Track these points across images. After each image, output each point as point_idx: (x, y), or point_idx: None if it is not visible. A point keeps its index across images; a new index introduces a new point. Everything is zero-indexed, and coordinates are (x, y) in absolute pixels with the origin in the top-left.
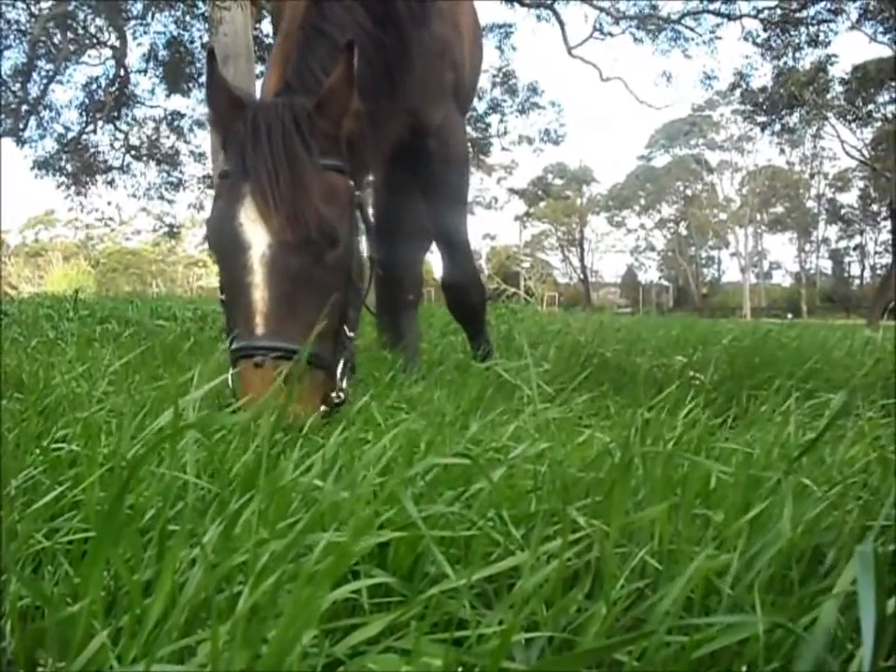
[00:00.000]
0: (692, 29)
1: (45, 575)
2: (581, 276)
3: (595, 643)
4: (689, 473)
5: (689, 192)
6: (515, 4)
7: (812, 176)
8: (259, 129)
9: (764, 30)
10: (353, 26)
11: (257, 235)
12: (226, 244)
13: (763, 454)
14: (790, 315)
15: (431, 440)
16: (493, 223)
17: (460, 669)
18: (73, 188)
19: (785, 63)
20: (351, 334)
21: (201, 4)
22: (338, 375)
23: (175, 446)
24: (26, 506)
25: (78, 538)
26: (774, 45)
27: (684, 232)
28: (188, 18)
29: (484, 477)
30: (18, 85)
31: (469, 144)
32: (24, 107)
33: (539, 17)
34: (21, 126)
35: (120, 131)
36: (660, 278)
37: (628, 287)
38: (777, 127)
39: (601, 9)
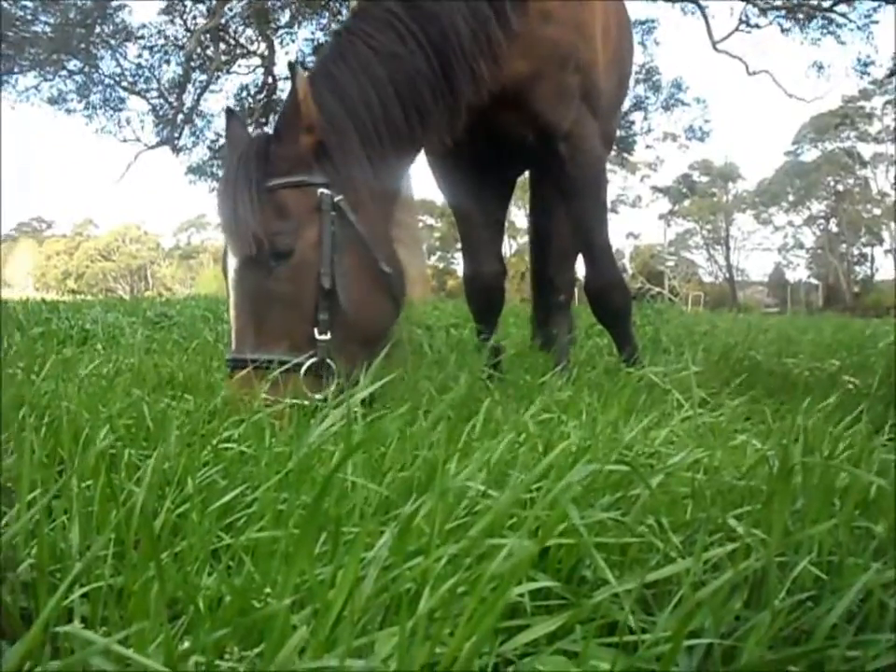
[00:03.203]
0: (844, 15)
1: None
2: (727, 275)
3: (758, 652)
4: (849, 484)
5: (840, 187)
6: None
7: None
8: (226, 166)
9: None
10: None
11: (228, 263)
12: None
13: None
14: None
15: (584, 445)
16: (637, 222)
17: None
18: None
19: None
20: (323, 337)
21: (345, 10)
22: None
23: (349, 450)
24: (203, 504)
25: (257, 536)
26: None
27: (835, 229)
28: (333, 25)
29: (642, 483)
30: (174, 96)
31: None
32: (180, 117)
33: (683, 11)
34: (177, 135)
35: None
36: (809, 277)
37: (775, 286)
38: None
39: (747, 1)
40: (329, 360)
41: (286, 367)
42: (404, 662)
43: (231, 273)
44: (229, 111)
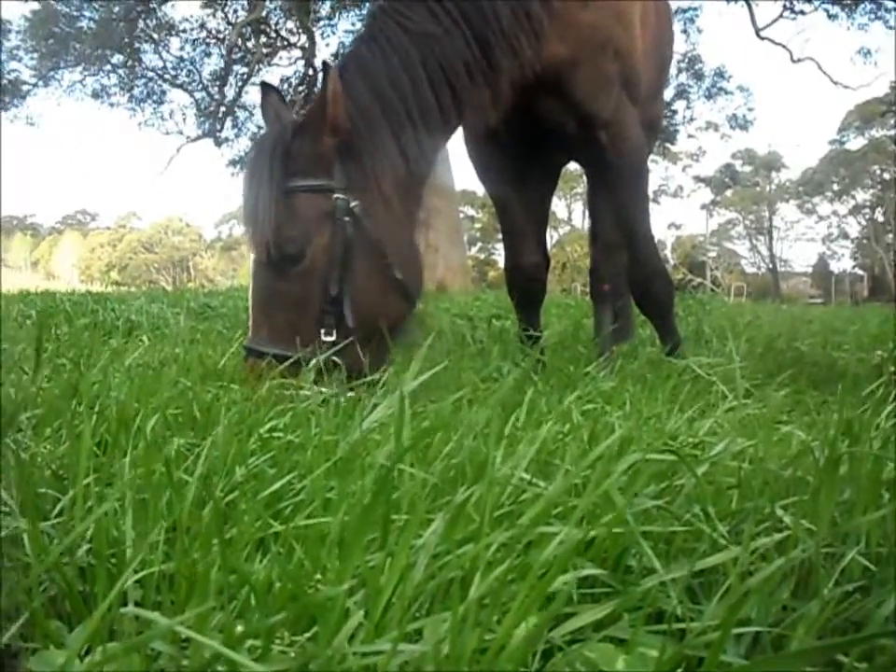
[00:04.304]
0: None
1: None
2: (770, 266)
3: (807, 641)
4: None
5: (886, 176)
6: None
7: None
8: (250, 157)
9: None
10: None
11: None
12: None
13: None
14: None
15: (628, 435)
16: (678, 212)
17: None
18: None
19: None
20: (328, 338)
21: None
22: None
23: (401, 449)
24: (254, 493)
25: (309, 523)
26: None
27: (881, 218)
28: None
29: (689, 472)
30: (216, 89)
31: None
32: (221, 110)
33: None
34: (219, 127)
35: None
36: (854, 267)
37: (819, 277)
38: None
39: None
40: (333, 360)
41: (287, 362)
42: (456, 647)
43: (251, 264)
44: (264, 85)
